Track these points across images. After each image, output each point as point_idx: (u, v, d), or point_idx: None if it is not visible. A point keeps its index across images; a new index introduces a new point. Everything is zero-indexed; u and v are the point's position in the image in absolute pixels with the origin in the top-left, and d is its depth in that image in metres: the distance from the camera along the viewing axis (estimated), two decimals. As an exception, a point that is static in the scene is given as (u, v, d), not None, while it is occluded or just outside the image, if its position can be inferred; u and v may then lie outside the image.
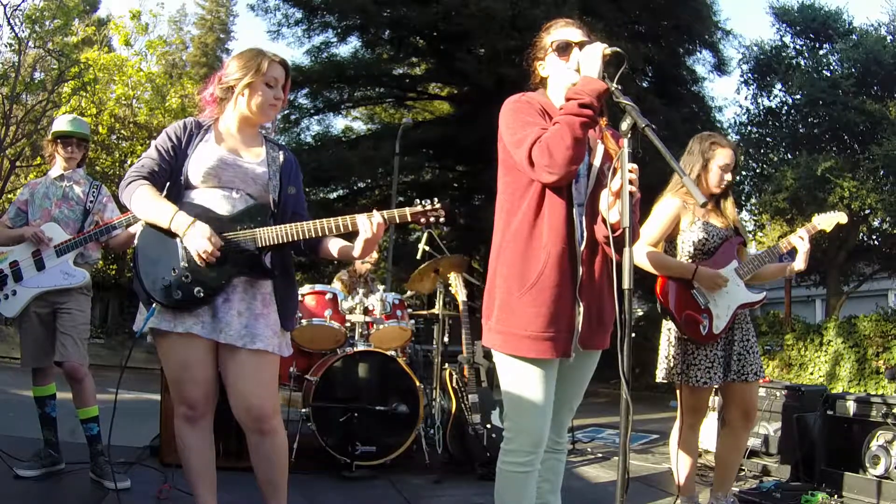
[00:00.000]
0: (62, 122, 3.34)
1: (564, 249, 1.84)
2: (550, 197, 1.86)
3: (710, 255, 2.87)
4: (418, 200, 2.08)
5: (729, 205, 2.95)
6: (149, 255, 2.09)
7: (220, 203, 2.11)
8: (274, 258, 2.16)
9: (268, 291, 2.15)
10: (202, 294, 2.04)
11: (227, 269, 2.06)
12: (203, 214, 2.05)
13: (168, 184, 2.14)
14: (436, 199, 2.09)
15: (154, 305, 2.05)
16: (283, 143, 2.42)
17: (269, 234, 2.07)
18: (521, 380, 1.87)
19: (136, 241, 2.12)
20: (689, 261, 2.87)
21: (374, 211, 2.07)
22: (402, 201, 13.80)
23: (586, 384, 2.05)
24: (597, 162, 1.95)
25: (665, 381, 2.93)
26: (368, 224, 2.04)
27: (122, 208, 2.51)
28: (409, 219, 2.06)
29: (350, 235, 2.14)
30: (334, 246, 2.20)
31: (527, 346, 1.83)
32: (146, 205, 2.04)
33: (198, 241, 1.99)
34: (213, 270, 2.05)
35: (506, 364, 1.90)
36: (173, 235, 2.05)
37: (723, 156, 2.86)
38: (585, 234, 1.90)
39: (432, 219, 2.06)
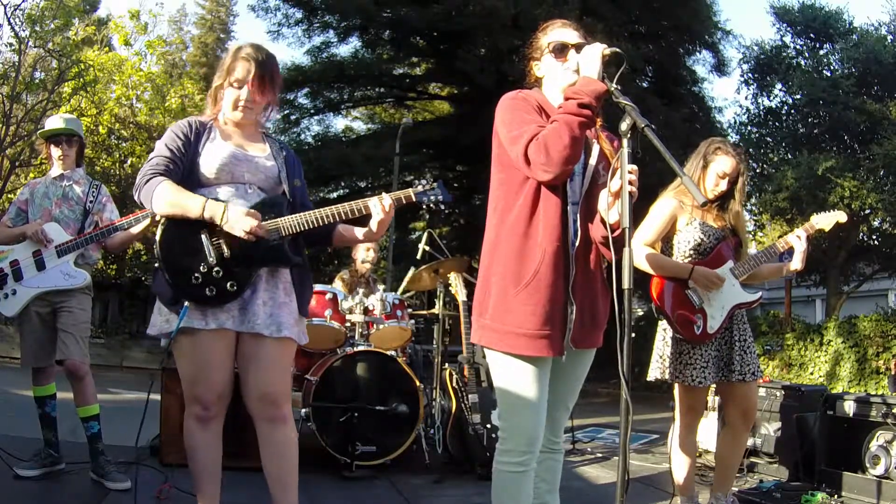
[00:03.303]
0: (49, 123, 3.34)
1: (559, 248, 1.85)
2: (545, 195, 1.86)
3: (705, 256, 2.87)
4: (416, 182, 2.20)
5: (734, 209, 2.94)
6: (174, 253, 2.07)
7: (236, 198, 2.12)
8: (293, 247, 2.19)
9: (288, 280, 2.19)
10: (235, 288, 2.06)
11: (256, 261, 2.09)
12: None
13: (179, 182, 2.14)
14: (430, 178, 2.24)
15: (186, 304, 2.03)
16: (284, 142, 2.45)
17: (291, 223, 2.11)
18: (516, 378, 1.87)
19: (157, 240, 2.08)
20: (685, 260, 2.88)
21: (383, 193, 2.18)
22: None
23: (581, 383, 2.05)
24: (592, 161, 1.96)
25: (657, 380, 2.94)
26: (380, 205, 2.15)
27: (125, 208, 2.49)
28: (414, 199, 2.19)
29: (356, 223, 2.25)
30: (358, 231, 2.28)
31: (522, 344, 1.83)
32: (171, 199, 2.03)
33: (241, 220, 2.02)
34: (243, 262, 2.07)
35: (500, 362, 1.90)
36: (198, 231, 2.05)
37: (723, 163, 2.86)
38: (579, 232, 1.90)
39: (432, 197, 2.19)
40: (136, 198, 2.10)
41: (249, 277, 2.08)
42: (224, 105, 2.19)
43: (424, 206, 2.21)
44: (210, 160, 2.12)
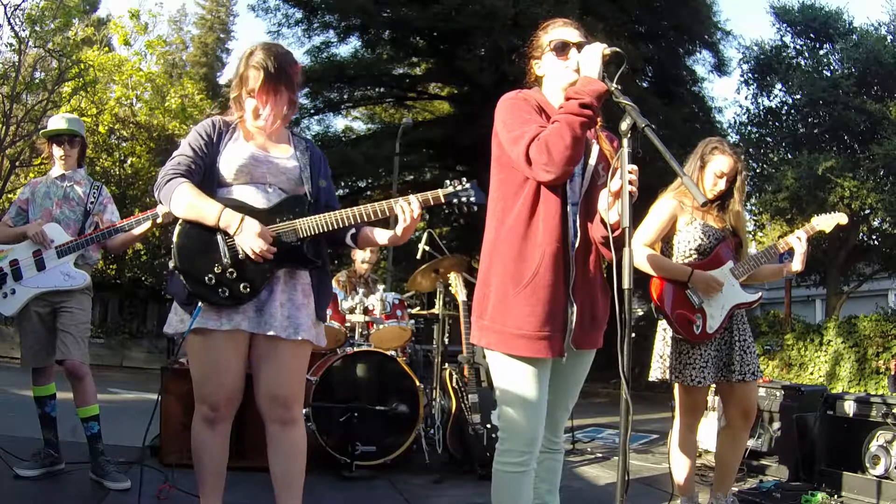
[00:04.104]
0: (52, 122, 3.34)
1: (559, 248, 1.85)
2: (545, 195, 1.86)
3: (705, 256, 2.87)
4: (448, 182, 2.07)
5: (734, 208, 2.94)
6: (190, 253, 2.05)
7: (255, 198, 2.11)
8: (312, 248, 2.16)
9: (307, 282, 2.17)
10: (248, 290, 2.03)
11: (271, 263, 2.06)
12: (241, 209, 2.05)
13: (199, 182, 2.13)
14: (464, 179, 2.07)
15: (199, 304, 2.03)
16: (311, 140, 2.39)
17: (308, 225, 2.07)
18: (515, 379, 1.87)
19: (174, 240, 2.08)
20: (685, 261, 2.88)
21: (410, 195, 2.08)
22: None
23: (581, 383, 2.05)
24: (592, 161, 1.96)
25: (659, 380, 2.94)
26: (407, 209, 2.06)
27: (124, 208, 2.48)
28: (443, 200, 2.07)
29: (379, 222, 2.16)
30: (381, 235, 2.22)
31: (522, 345, 1.83)
32: (189, 202, 2.01)
33: (251, 239, 1.99)
34: (257, 265, 2.04)
35: (500, 363, 1.90)
36: (214, 231, 2.04)
37: (720, 162, 2.86)
38: (579, 233, 1.90)
39: (464, 199, 2.06)
40: (155, 196, 2.09)
41: (264, 279, 2.06)
42: (247, 114, 2.16)
43: (455, 209, 2.07)
44: (229, 161, 2.11)
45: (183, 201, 2.01)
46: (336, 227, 2.08)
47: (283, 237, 2.07)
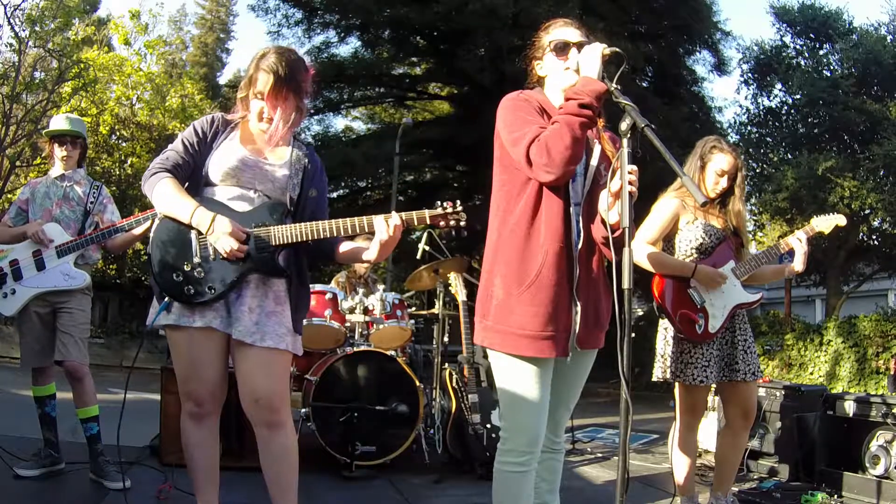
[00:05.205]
0: (54, 122, 3.34)
1: (562, 248, 1.85)
2: (547, 196, 1.86)
3: (707, 255, 2.87)
4: (439, 203, 2.03)
5: (735, 207, 2.94)
6: (163, 248, 2.08)
7: (237, 202, 2.11)
8: (288, 258, 2.14)
9: (281, 290, 2.14)
10: (213, 291, 2.03)
11: (241, 266, 2.05)
12: (220, 211, 2.04)
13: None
14: (457, 202, 2.03)
15: (166, 300, 2.04)
16: (312, 148, 2.34)
17: (283, 233, 2.06)
18: (518, 379, 1.87)
19: (151, 234, 2.11)
20: (686, 260, 2.87)
21: (393, 212, 2.04)
22: (402, 200, 13.80)
23: (583, 383, 2.05)
24: (594, 162, 1.96)
25: (661, 380, 2.93)
26: (385, 226, 2.01)
27: (124, 209, 2.48)
28: (429, 221, 2.02)
29: (366, 236, 2.11)
30: (353, 249, 2.19)
31: (525, 345, 1.83)
32: (168, 198, 2.03)
33: (222, 238, 1.99)
34: (226, 267, 2.04)
35: (502, 363, 1.90)
36: (189, 229, 2.04)
37: (720, 161, 2.86)
38: (582, 233, 1.90)
39: (452, 222, 2.02)
40: (142, 188, 2.10)
41: (233, 282, 2.05)
42: (251, 115, 2.15)
43: (443, 231, 2.02)
44: (218, 162, 2.10)
45: (161, 196, 2.03)
46: (310, 237, 2.05)
47: (256, 243, 2.05)
